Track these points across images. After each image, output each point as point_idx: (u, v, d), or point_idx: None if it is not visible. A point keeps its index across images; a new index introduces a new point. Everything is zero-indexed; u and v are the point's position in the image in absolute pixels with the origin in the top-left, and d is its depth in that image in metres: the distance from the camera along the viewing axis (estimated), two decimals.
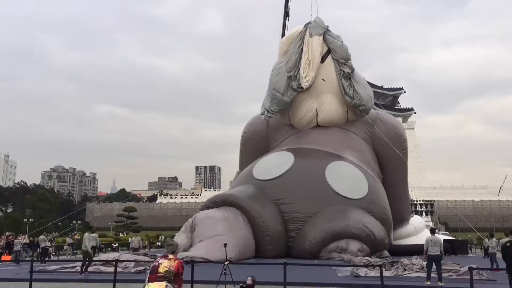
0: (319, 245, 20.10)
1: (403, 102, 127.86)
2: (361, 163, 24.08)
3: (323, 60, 25.01)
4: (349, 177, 22.66)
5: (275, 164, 23.79)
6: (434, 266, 12.49)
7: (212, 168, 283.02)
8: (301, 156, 23.78)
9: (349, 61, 24.97)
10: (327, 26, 25.53)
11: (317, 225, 20.57)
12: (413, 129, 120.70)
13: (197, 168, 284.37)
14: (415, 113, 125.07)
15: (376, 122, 26.24)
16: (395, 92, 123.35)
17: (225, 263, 11.93)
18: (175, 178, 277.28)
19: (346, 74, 24.84)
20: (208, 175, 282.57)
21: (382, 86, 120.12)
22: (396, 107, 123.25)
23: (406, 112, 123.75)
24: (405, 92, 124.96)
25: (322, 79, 25.16)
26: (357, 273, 14.45)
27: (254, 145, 28.21)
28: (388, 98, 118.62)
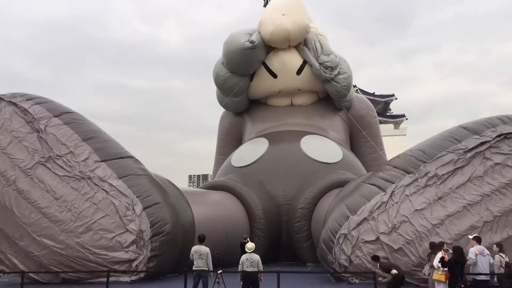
0: (316, 198, 20.24)
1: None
2: (332, 138, 25.52)
3: (299, 72, 25.44)
4: (323, 145, 24.10)
5: (251, 150, 24.68)
6: None
7: (205, 176, 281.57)
8: (275, 138, 24.70)
9: (328, 69, 24.96)
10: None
11: (307, 188, 20.94)
12: (405, 135, 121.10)
13: (190, 176, 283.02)
14: (406, 119, 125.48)
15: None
16: (386, 99, 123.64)
17: (219, 271, 11.83)
18: None
19: (329, 77, 25.07)
20: (202, 183, 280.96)
21: (374, 93, 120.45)
22: (388, 114, 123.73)
23: (398, 119, 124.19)
24: (396, 98, 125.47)
25: (298, 89, 26.11)
26: (352, 280, 14.34)
27: (231, 127, 29.44)
28: (379, 105, 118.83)
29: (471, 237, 11.84)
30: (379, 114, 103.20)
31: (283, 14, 24.61)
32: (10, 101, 16.19)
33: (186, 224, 15.72)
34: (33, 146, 15.41)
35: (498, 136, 14.31)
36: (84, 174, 14.78)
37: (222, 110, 29.66)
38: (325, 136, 25.17)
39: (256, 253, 11.38)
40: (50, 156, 15.14)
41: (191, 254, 11.88)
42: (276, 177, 22.26)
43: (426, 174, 14.26)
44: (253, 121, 27.84)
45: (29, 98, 16.45)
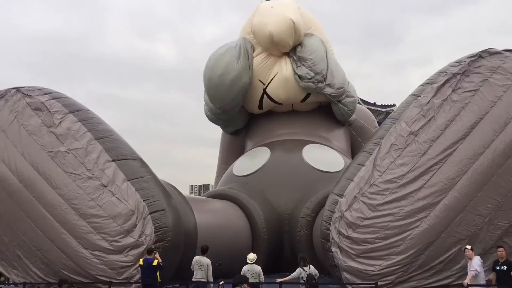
0: (318, 207, 19.47)
1: None
2: (333, 146, 25.32)
3: (304, 99, 25.10)
4: (325, 154, 23.98)
5: (253, 159, 24.52)
6: None
7: (206, 186, 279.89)
8: (277, 147, 24.54)
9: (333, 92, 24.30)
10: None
11: (308, 197, 20.53)
12: None
13: (191, 186, 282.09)
14: None
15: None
16: (388, 109, 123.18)
17: (220, 283, 11.76)
18: None
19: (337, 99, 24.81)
20: (203, 194, 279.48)
21: (375, 103, 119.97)
22: None
23: None
24: None
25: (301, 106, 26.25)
26: None
27: (233, 136, 29.05)
28: (381, 115, 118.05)
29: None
30: (380, 124, 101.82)
31: (272, 7, 23.84)
32: (27, 94, 16.15)
33: (189, 231, 15.56)
34: (42, 141, 15.32)
35: (454, 76, 14.07)
36: (93, 173, 14.65)
37: None
38: (327, 145, 25.20)
39: (258, 264, 11.33)
40: (59, 151, 15.04)
41: (192, 265, 11.85)
42: (278, 186, 22.15)
43: (400, 135, 13.97)
44: (255, 130, 27.90)
45: (47, 92, 16.44)
